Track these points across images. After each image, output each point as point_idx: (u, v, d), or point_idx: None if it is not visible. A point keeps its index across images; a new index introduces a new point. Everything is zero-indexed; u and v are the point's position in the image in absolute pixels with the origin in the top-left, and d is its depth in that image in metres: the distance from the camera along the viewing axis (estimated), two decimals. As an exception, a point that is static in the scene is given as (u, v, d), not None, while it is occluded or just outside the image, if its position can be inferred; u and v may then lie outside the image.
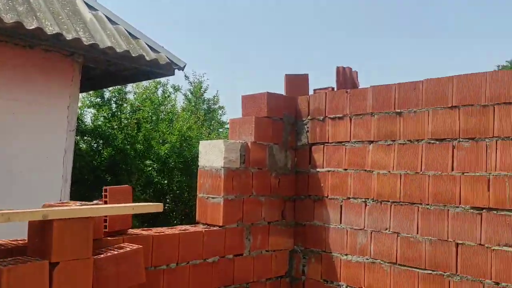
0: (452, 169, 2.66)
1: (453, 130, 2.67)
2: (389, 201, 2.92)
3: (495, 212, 2.47)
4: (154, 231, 2.81)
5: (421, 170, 2.79)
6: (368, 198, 3.03)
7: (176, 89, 14.13)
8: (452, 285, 2.61)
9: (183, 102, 18.34)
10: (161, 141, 9.91)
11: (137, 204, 2.44)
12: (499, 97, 2.50)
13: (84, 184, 8.50)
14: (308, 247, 3.37)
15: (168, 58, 6.37)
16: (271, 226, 3.32)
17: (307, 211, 3.40)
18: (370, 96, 3.07)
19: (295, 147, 3.50)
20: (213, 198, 3.10)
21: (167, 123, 10.38)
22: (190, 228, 3.00)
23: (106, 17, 6.15)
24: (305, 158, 3.44)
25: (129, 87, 10.79)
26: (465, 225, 2.58)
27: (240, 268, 3.10)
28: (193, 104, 17.53)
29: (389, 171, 2.93)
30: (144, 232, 2.72)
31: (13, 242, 2.16)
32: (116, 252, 2.22)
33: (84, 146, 9.39)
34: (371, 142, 3.05)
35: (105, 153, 9.11)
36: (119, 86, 9.68)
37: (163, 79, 13.09)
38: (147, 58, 6.01)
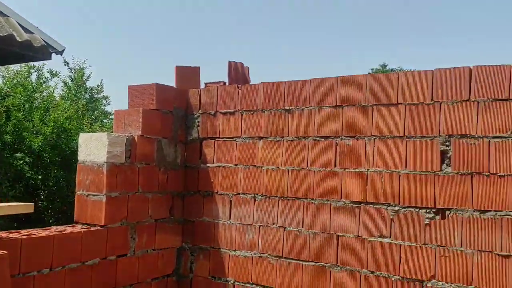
0: (335, 165, 2.80)
1: (336, 128, 2.81)
2: (277, 196, 2.98)
3: (371, 205, 2.66)
4: (24, 233, 2.50)
5: (307, 166, 2.89)
6: (257, 194, 3.06)
7: (54, 74, 12.96)
8: (332, 275, 2.75)
9: (62, 90, 16.95)
10: (34, 132, 9.00)
11: (1, 204, 2.14)
12: (377, 98, 2.69)
13: None
14: (197, 244, 3.31)
15: (44, 41, 5.78)
16: (158, 224, 3.18)
17: (196, 207, 3.33)
18: (261, 92, 3.10)
19: (185, 141, 3.40)
20: (94, 195, 2.86)
21: (42, 112, 9.45)
22: (66, 228, 2.74)
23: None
24: (196, 153, 3.36)
25: (-3, 70, 9.60)
26: (345, 218, 2.74)
27: (123, 270, 2.92)
28: (73, 92, 16.29)
29: (278, 167, 2.99)
30: (12, 235, 2.40)
31: None
32: (-26, 261, 1.91)
33: None
34: (261, 138, 3.08)
35: (-34, 144, 7.99)
36: (-17, 69, 8.55)
37: (38, 63, 11.90)
38: (19, 39, 5.38)
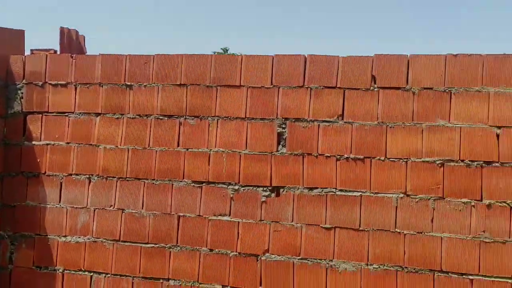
0: (178, 145, 2.75)
1: (180, 107, 2.76)
2: (115, 177, 2.81)
3: (213, 185, 2.70)
4: None
5: (149, 146, 2.78)
6: (93, 174, 2.83)
7: None
8: (172, 255, 2.73)
9: None
10: None
11: None
12: (221, 79, 2.72)
13: None
14: (19, 231, 2.92)
15: None
16: (-32, 211, 2.70)
17: (18, 190, 2.93)
18: (99, 65, 2.85)
19: (5, 115, 2.95)
20: None
21: None
22: None
23: None
24: (18, 128, 2.94)
25: None
26: (187, 198, 2.73)
27: None
28: None
29: (117, 146, 2.81)
30: None
31: None
32: None
33: None
34: (98, 114, 2.84)
35: None
36: None
37: None
38: None
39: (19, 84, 2.94)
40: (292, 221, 2.59)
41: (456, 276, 2.37)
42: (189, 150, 2.73)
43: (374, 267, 2.47)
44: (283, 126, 2.63)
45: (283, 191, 2.62)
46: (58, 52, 3.12)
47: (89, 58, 2.92)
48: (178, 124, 2.76)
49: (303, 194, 2.58)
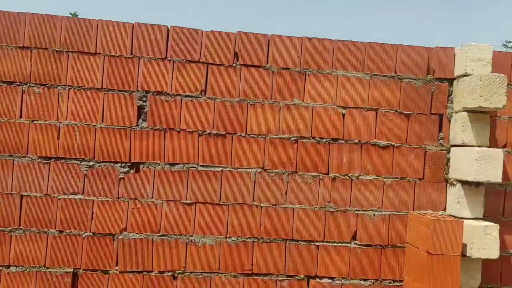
0: (21, 116, 2.43)
1: (23, 73, 2.42)
2: None
3: (63, 161, 2.46)
4: None
5: (-18, 116, 2.39)
6: None
7: None
8: (14, 239, 2.43)
9: None
10: None
11: None
12: (74, 45, 2.46)
13: None
14: None
15: None
16: None
17: None
18: None
19: None
20: None
21: None
22: None
23: None
24: None
25: None
26: (32, 176, 2.44)
27: None
28: None
29: None
30: None
31: None
32: None
33: None
34: None
35: None
36: None
37: None
38: None
39: None
40: (152, 198, 2.51)
41: (305, 243, 2.59)
42: (34, 122, 2.43)
43: (232, 240, 2.55)
44: (144, 99, 2.51)
45: (143, 167, 2.51)
46: None
47: None
48: (21, 92, 2.42)
49: (164, 170, 2.52)
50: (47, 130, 2.44)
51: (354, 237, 2.61)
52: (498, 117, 2.66)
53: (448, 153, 2.65)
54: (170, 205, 2.52)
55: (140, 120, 2.51)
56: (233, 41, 2.56)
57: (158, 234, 2.51)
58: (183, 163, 2.53)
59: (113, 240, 2.50)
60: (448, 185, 2.64)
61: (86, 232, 2.48)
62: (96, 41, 2.48)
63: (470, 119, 2.50)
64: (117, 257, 2.49)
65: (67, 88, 2.46)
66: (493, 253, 2.38)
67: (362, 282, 2.61)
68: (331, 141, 2.61)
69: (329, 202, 2.60)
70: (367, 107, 2.63)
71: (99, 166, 2.48)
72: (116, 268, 2.49)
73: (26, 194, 2.44)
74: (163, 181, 2.51)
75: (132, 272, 2.50)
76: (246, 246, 2.56)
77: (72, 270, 2.47)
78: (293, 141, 2.59)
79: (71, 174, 2.47)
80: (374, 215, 2.62)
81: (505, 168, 2.62)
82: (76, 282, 2.48)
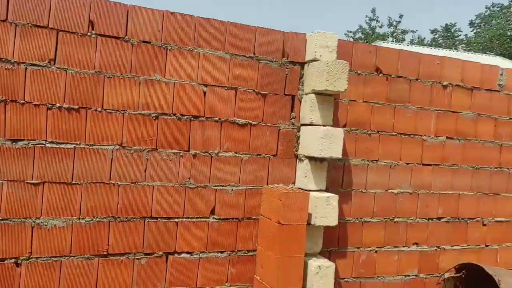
0: None
1: None
2: None
3: None
4: None
5: None
6: None
7: None
8: None
9: None
10: None
11: None
12: None
13: None
14: None
15: None
16: None
17: None
18: None
19: None
20: None
21: None
22: None
23: None
24: None
25: None
26: None
27: None
28: None
29: None
30: None
31: None
32: None
33: None
34: None
35: None
36: None
37: None
38: None
39: None
40: (-11, 178, 2.23)
41: (164, 220, 2.58)
42: None
43: (86, 220, 2.42)
44: (-22, 65, 2.18)
45: (-23, 143, 2.20)
46: None
47: None
48: None
49: (5, 146, 2.24)
50: None
51: (212, 212, 2.69)
52: (340, 99, 2.97)
53: (299, 131, 2.88)
54: (12, 186, 2.27)
55: (-26, 90, 2.18)
56: (88, 8, 2.37)
57: (-3, 218, 2.25)
58: (28, 139, 2.28)
59: None
60: (297, 161, 2.88)
61: None
62: None
63: (318, 101, 2.75)
64: None
65: None
66: (333, 220, 2.70)
67: (219, 254, 2.72)
68: (192, 118, 2.62)
69: (189, 178, 2.62)
70: (228, 86, 2.70)
71: None
72: None
73: None
74: (3, 159, 2.24)
75: (-35, 262, 2.21)
76: (102, 226, 2.45)
77: None
78: (154, 118, 2.53)
79: None
80: (232, 190, 2.73)
81: (345, 145, 2.96)
82: None
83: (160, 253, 2.58)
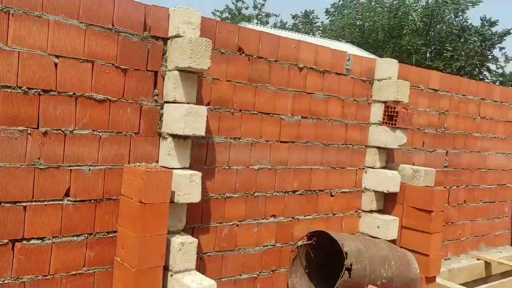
0: None
1: None
2: None
3: None
4: None
5: None
6: None
7: None
8: None
9: None
10: None
11: None
12: None
13: None
14: None
15: None
16: None
17: None
18: None
19: None
20: None
21: None
22: None
23: None
24: None
25: None
26: None
27: None
28: None
29: None
30: None
31: None
32: None
33: None
34: None
35: None
36: None
37: None
38: None
39: None
40: None
41: (9, 205, 2.33)
42: None
43: None
44: None
45: None
46: None
47: None
48: None
49: None
50: None
51: (67, 194, 2.51)
52: (204, 77, 2.99)
53: (162, 108, 2.83)
54: None
55: None
56: None
57: None
58: None
59: None
60: (161, 138, 2.83)
61: None
62: None
63: (181, 78, 2.72)
64: None
65: None
66: (196, 197, 2.73)
67: (75, 238, 2.56)
68: (41, 92, 2.38)
69: (39, 158, 2.39)
70: (83, 58, 2.50)
71: None
72: None
73: None
74: None
75: None
76: None
77: None
78: (-7, 90, 2.23)
79: None
80: (90, 170, 2.57)
81: (208, 123, 3.00)
82: None
83: (5, 241, 2.33)
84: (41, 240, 2.44)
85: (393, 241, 3.83)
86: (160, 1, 2.91)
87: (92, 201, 2.60)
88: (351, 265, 3.13)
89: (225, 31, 3.07)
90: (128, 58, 2.67)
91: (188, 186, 2.68)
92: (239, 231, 3.25)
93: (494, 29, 23.78)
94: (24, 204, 2.37)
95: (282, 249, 3.51)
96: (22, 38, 2.30)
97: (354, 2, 27.96)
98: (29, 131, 2.36)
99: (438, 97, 4.63)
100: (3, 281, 2.33)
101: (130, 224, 2.55)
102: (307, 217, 3.65)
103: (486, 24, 23.75)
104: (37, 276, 2.43)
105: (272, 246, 3.45)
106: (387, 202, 4.02)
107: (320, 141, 3.68)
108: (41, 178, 2.41)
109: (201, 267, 3.04)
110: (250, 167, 3.27)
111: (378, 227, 3.86)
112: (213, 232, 3.11)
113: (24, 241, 2.39)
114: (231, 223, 3.20)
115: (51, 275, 2.48)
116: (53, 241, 2.48)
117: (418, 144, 4.48)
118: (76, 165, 2.52)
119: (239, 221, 3.25)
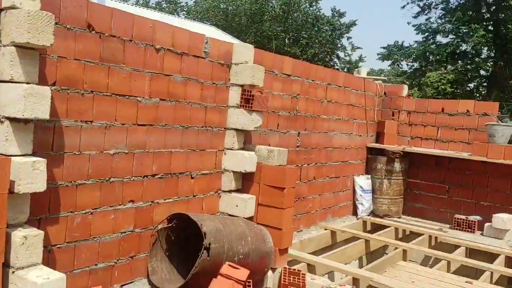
0: None
1: None
2: None
3: None
4: None
5: None
6: None
7: None
8: None
9: None
10: None
11: None
12: None
13: None
14: None
15: None
16: None
17: None
18: None
19: None
20: None
21: None
22: None
23: None
24: None
25: None
26: None
27: None
28: None
29: None
30: None
31: None
32: None
33: None
34: None
35: None
36: None
37: None
38: None
39: None
40: None
41: None
42: None
43: None
44: None
45: None
46: None
47: None
48: None
49: None
50: None
51: None
52: (48, 55, 2.73)
53: (-4, 88, 2.51)
54: None
55: None
56: None
57: None
58: None
59: None
60: (-4, 122, 2.52)
61: None
62: None
63: (19, 55, 2.44)
64: None
65: None
66: (41, 186, 2.51)
67: None
68: None
69: None
70: None
71: None
72: None
73: None
74: None
75: None
76: None
77: None
78: None
79: None
80: None
81: (54, 105, 2.76)
82: None
83: None
84: None
85: (250, 218, 4.03)
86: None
87: None
88: (209, 244, 3.22)
89: (72, 5, 2.83)
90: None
91: (30, 174, 2.44)
92: (94, 219, 3.09)
93: (342, 20, 26.22)
94: None
95: (141, 234, 3.44)
96: None
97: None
98: None
99: (290, 81, 4.95)
100: None
101: None
102: (167, 200, 3.63)
103: (336, 15, 26.06)
104: None
105: (130, 232, 3.36)
106: (245, 181, 4.20)
107: (180, 123, 3.66)
108: None
109: (50, 261, 2.82)
110: (104, 151, 3.11)
111: (237, 206, 4.02)
112: (63, 222, 2.90)
113: None
114: (84, 211, 3.02)
115: None
116: None
117: (273, 126, 4.76)
118: None
119: (93, 209, 3.08)
